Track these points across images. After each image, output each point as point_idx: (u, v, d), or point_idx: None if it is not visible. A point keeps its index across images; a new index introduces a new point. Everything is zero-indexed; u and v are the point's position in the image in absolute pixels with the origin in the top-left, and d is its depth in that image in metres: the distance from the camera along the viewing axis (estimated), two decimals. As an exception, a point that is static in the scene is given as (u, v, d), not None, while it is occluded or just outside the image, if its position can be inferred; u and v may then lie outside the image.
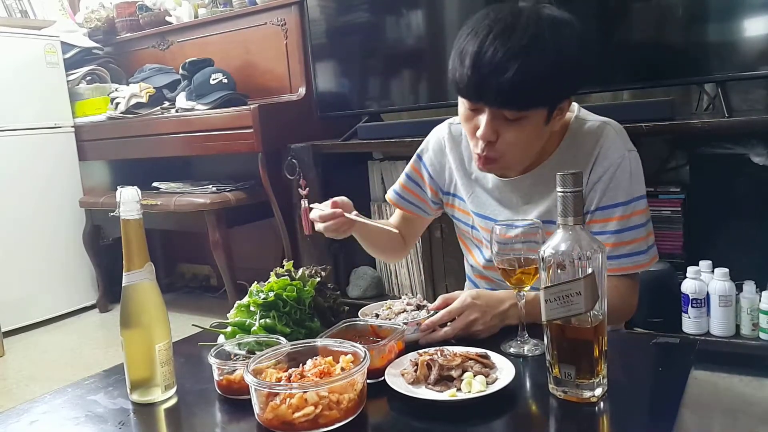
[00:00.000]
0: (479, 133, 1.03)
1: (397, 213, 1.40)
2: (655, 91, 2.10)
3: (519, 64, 0.94)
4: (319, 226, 1.22)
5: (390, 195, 1.39)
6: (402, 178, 1.36)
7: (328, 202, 1.22)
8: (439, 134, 1.29)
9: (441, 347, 0.91)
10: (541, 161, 1.13)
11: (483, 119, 1.02)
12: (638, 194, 1.09)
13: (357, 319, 1.01)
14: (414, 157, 1.34)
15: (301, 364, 0.84)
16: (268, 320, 0.97)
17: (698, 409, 1.67)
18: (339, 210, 1.19)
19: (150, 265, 0.89)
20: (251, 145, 2.44)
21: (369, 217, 2.48)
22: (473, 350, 0.90)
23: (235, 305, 1.03)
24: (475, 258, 1.31)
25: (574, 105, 1.17)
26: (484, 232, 1.24)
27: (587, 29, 2.03)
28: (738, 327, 1.80)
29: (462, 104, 1.07)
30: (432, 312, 1.04)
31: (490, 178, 1.19)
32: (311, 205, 1.24)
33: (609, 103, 2.10)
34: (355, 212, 1.22)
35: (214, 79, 2.66)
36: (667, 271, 1.85)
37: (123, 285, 0.88)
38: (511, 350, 0.96)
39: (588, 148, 1.10)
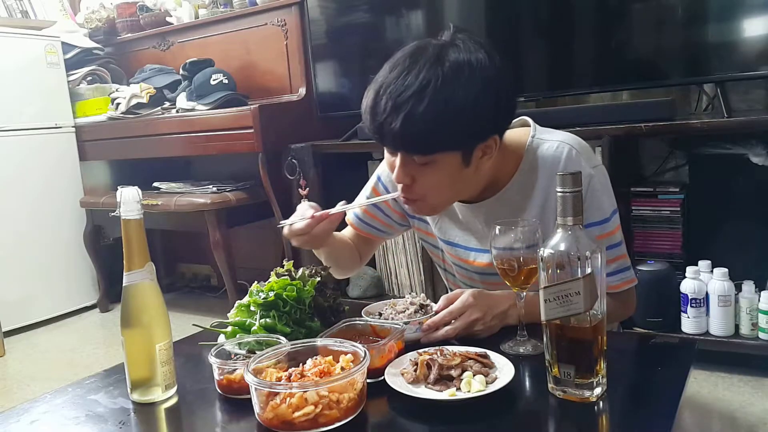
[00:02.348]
0: (393, 176, 1.03)
1: (354, 232, 1.32)
2: (655, 91, 2.10)
3: (405, 113, 0.93)
4: (296, 241, 1.13)
5: (351, 219, 1.32)
6: (363, 200, 1.28)
7: (299, 212, 1.14)
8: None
9: (440, 347, 0.92)
10: (502, 186, 1.10)
11: (396, 162, 1.02)
12: (611, 211, 1.07)
13: (357, 318, 1.02)
14: (374, 179, 1.28)
15: (301, 364, 0.85)
16: (268, 320, 0.98)
17: (697, 409, 1.67)
18: (314, 215, 1.09)
19: (150, 265, 0.90)
20: (251, 146, 2.44)
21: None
22: (473, 350, 0.90)
23: (236, 305, 1.03)
24: (451, 284, 1.30)
25: (529, 120, 1.14)
26: (451, 258, 1.23)
27: (586, 29, 2.03)
28: (737, 327, 1.80)
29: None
30: (433, 312, 1.04)
31: (455, 204, 1.16)
32: (281, 223, 1.14)
33: (609, 103, 2.10)
34: (340, 203, 1.12)
35: (214, 80, 2.66)
36: (667, 270, 1.85)
37: (123, 285, 0.89)
38: (511, 350, 0.96)
39: (549, 170, 1.06)
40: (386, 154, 1.06)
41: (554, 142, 1.08)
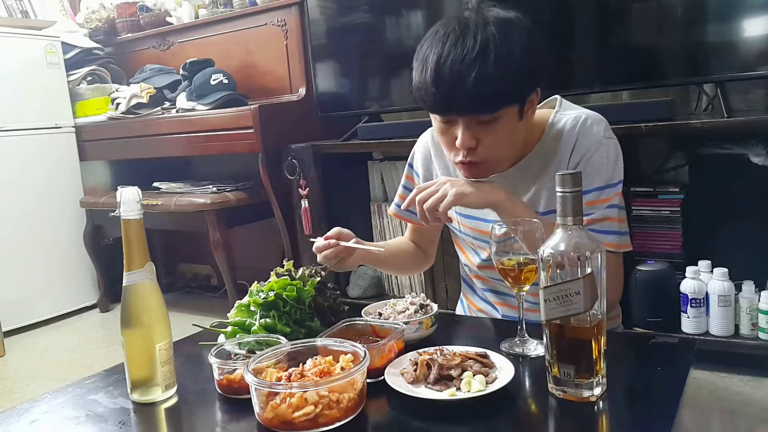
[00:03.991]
0: (458, 143, 1.06)
1: (408, 225, 1.42)
2: (655, 92, 2.10)
3: (476, 71, 0.98)
4: (320, 258, 1.19)
5: (391, 208, 1.41)
6: (399, 189, 1.39)
7: (330, 233, 1.20)
8: (423, 142, 1.31)
9: (440, 347, 0.92)
10: (524, 154, 1.16)
11: (459, 129, 1.05)
12: (615, 180, 1.11)
13: (357, 318, 1.02)
14: (406, 167, 1.37)
15: (301, 364, 0.85)
16: (268, 320, 0.98)
17: (697, 409, 1.67)
18: (333, 240, 1.16)
19: (150, 265, 0.90)
20: (252, 146, 2.45)
21: (369, 218, 2.49)
22: (473, 350, 0.90)
23: (236, 305, 1.03)
24: (469, 258, 1.31)
25: (557, 99, 1.20)
26: (472, 232, 1.25)
27: (586, 29, 2.03)
28: (737, 327, 1.80)
29: (435, 119, 1.10)
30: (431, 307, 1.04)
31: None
32: (312, 239, 1.21)
33: (609, 103, 2.10)
34: (354, 239, 1.18)
35: (214, 80, 2.66)
36: (666, 270, 1.84)
37: (123, 285, 0.89)
38: (511, 350, 0.96)
39: (568, 137, 1.13)
40: (440, 127, 1.09)
41: (573, 114, 1.14)
